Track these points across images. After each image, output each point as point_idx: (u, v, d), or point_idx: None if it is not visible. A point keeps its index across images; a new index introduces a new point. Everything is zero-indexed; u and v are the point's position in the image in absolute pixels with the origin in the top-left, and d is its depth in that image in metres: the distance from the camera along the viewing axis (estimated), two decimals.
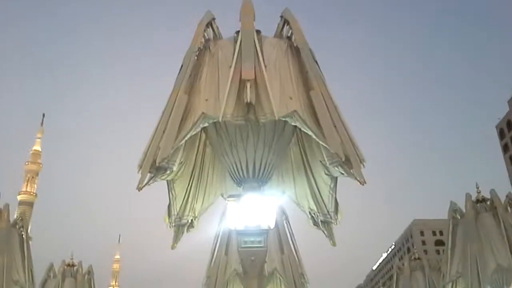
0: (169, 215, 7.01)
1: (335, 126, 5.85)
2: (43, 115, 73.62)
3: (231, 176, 6.65)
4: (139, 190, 5.74)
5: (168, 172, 6.22)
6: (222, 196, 7.44)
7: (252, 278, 6.13)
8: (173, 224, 7.09)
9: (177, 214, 7.09)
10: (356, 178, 5.72)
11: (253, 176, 6.42)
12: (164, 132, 5.94)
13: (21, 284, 15.64)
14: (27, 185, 64.51)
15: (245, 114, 5.90)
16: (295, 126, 6.43)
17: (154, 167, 5.85)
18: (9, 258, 15.64)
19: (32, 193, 64.60)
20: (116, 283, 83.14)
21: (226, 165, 6.73)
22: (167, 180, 6.73)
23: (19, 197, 62.58)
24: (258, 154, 6.38)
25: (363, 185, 5.64)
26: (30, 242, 17.41)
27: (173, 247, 7.22)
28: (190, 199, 7.21)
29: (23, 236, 16.92)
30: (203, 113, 5.74)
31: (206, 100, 5.91)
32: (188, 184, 7.15)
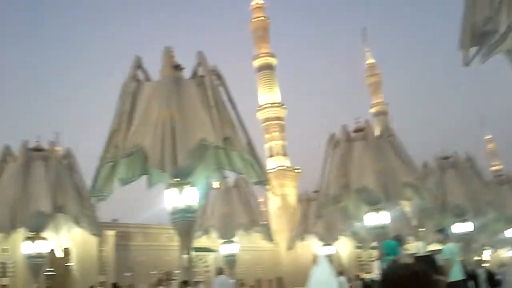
0: None
1: None
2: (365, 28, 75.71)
3: None
4: (467, 66, 5.32)
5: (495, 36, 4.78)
6: None
7: None
8: None
9: None
10: None
11: None
12: None
13: None
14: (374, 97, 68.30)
15: None
16: None
17: (476, 37, 4.76)
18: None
19: (382, 103, 67.98)
20: None
21: None
22: None
23: (371, 110, 67.16)
24: None
25: None
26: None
27: None
28: None
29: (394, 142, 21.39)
30: None
31: None
32: None
